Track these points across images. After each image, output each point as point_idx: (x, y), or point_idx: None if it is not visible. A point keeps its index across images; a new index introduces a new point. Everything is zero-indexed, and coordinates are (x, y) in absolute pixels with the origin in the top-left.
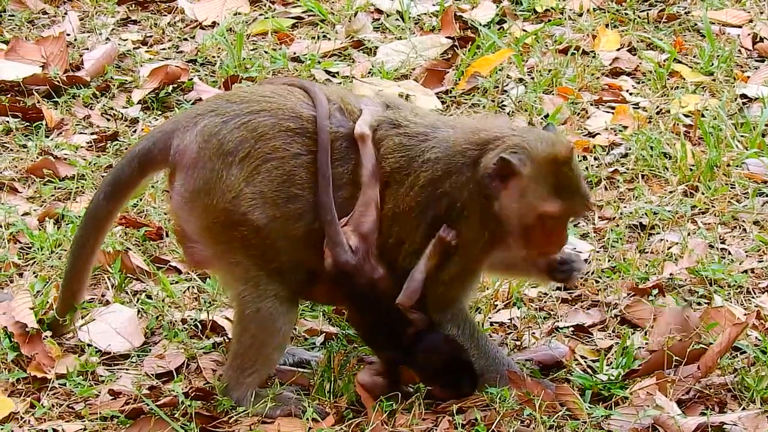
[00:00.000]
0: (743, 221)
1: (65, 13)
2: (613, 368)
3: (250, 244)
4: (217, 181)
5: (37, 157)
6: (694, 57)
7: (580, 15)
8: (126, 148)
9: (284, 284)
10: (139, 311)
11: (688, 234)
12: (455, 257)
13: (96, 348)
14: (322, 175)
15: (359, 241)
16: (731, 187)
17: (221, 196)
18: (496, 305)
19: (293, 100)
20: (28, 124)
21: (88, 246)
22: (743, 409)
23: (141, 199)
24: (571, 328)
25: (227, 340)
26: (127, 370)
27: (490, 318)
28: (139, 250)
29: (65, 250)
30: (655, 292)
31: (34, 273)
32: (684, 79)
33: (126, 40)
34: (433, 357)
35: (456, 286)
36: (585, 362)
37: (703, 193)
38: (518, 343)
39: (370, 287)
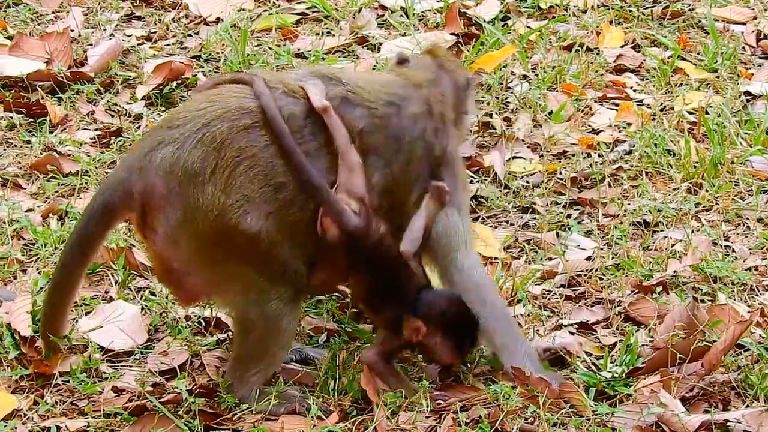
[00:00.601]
0: (747, 218)
1: (69, 9)
2: (616, 366)
3: (246, 252)
4: (196, 205)
5: (41, 153)
6: (698, 54)
7: (584, 12)
8: (130, 144)
9: (286, 285)
10: (142, 308)
11: (692, 231)
12: (456, 199)
13: (99, 345)
14: (293, 156)
15: (358, 203)
16: (735, 185)
17: (204, 217)
18: None
19: (234, 99)
20: (32, 120)
21: (63, 300)
22: (747, 406)
23: None
24: (575, 326)
25: (231, 337)
26: (130, 367)
27: None
28: (143, 246)
29: None
30: (659, 289)
31: (37, 269)
32: (688, 76)
33: (130, 36)
34: (436, 308)
35: (467, 221)
36: (589, 359)
37: (707, 191)
38: None
39: (379, 244)
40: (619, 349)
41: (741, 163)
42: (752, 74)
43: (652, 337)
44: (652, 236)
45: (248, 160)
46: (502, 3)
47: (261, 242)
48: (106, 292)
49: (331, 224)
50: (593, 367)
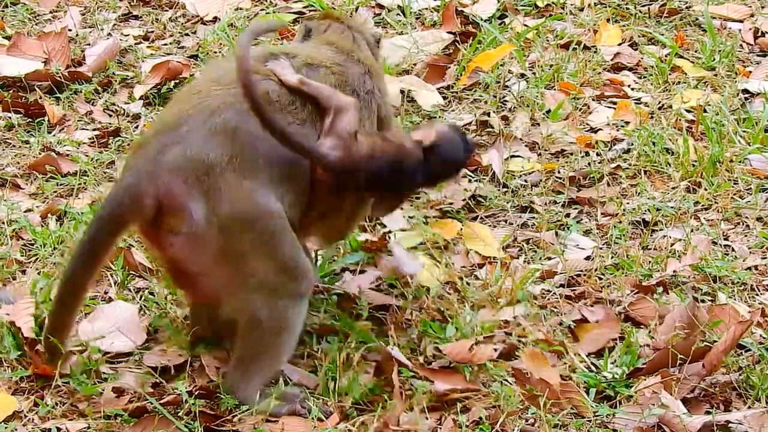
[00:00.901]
0: (746, 217)
1: (67, 9)
2: (617, 366)
3: (264, 238)
4: (219, 195)
5: (40, 153)
6: (696, 52)
7: (581, 9)
8: (128, 144)
9: (296, 281)
10: (141, 308)
11: (691, 230)
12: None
13: (98, 346)
14: (261, 116)
15: (335, 138)
16: (734, 183)
17: (229, 206)
18: (499, 302)
19: (226, 89)
20: (30, 120)
21: (69, 310)
22: (749, 407)
23: None
24: (574, 325)
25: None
26: (130, 368)
27: (493, 315)
28: (142, 246)
29: (68, 247)
30: (659, 289)
31: (37, 270)
32: (686, 74)
33: (128, 35)
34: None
35: None
36: (589, 359)
37: (705, 189)
38: (524, 340)
39: (371, 155)
40: (619, 349)
41: (740, 162)
42: (750, 72)
43: (652, 337)
44: (651, 235)
45: (263, 141)
46: (499, 1)
47: (278, 220)
48: (106, 293)
49: (318, 171)
50: (593, 368)
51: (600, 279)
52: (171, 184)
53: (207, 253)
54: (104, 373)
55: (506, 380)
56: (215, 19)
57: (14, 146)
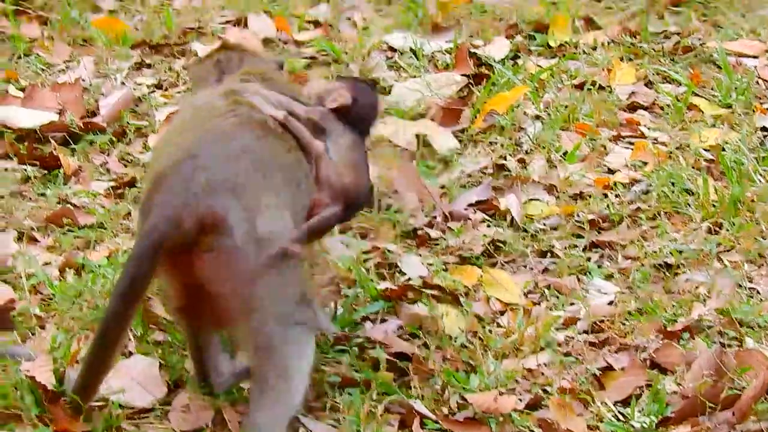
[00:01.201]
0: None
1: (80, 59)
2: (644, 415)
3: (285, 255)
4: (254, 213)
5: (56, 206)
6: (712, 89)
7: (594, 48)
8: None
9: (305, 304)
10: (161, 363)
11: (715, 273)
12: None
13: (119, 401)
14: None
15: (330, 192)
16: (756, 224)
17: (263, 221)
18: (522, 350)
19: (222, 119)
20: (46, 172)
21: (103, 366)
22: None
23: None
24: (600, 373)
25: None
26: (152, 423)
27: (517, 364)
28: (160, 298)
29: (86, 300)
30: (685, 335)
31: (56, 325)
32: (702, 113)
33: (141, 84)
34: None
35: None
36: (616, 408)
37: (727, 230)
38: (549, 389)
39: (368, 196)
40: (647, 397)
41: (761, 201)
42: (767, 109)
43: (680, 384)
44: (674, 278)
45: (276, 163)
46: (511, 42)
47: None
48: (125, 347)
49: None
50: (621, 417)
51: (624, 325)
52: (212, 203)
53: (242, 270)
54: (125, 429)
55: (533, 431)
56: None
57: (31, 199)
